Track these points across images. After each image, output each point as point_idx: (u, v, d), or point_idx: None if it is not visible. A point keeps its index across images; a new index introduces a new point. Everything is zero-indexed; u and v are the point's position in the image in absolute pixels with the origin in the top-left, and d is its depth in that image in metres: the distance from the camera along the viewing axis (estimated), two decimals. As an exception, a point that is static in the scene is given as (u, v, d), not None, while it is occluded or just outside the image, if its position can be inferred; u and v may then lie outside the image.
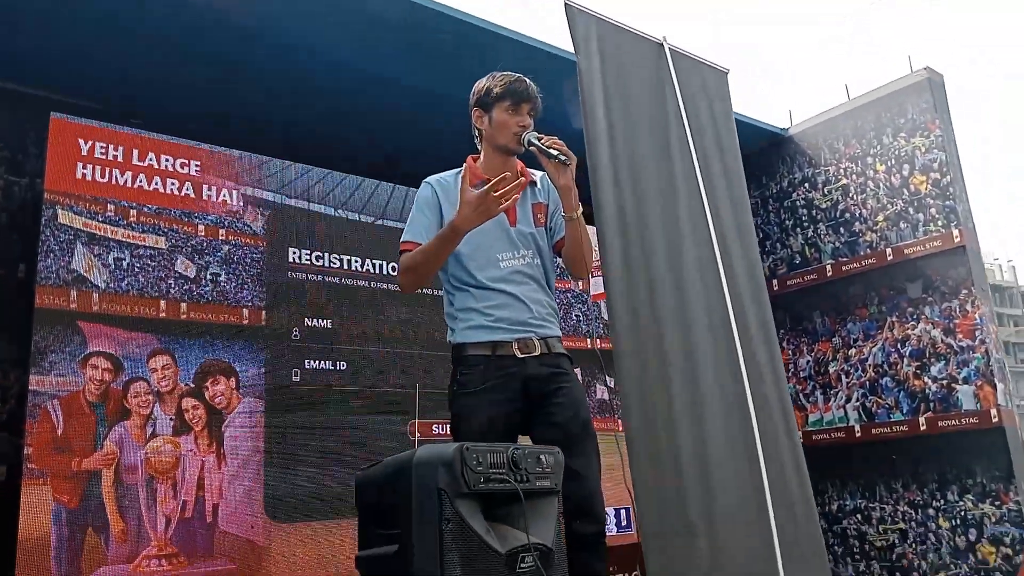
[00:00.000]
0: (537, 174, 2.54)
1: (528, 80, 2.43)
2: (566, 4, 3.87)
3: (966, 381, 5.04)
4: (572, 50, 3.65)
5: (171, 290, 4.27)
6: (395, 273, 5.17)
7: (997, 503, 4.81)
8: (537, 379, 2.33)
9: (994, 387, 4.91)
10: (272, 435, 4.38)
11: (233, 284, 4.50)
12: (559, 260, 2.60)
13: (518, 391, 2.33)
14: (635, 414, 3.22)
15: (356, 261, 5.03)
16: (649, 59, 4.05)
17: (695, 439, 3.36)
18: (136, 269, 4.19)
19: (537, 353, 2.35)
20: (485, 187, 2.16)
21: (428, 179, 2.49)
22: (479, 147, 2.52)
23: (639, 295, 3.54)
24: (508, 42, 4.70)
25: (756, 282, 4.07)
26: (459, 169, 2.47)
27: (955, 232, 5.24)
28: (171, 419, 4.08)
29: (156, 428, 4.02)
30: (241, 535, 4.10)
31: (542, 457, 2.25)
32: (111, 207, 4.18)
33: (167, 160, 4.43)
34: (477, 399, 2.33)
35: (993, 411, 4.88)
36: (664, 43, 4.13)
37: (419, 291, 5.20)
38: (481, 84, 2.46)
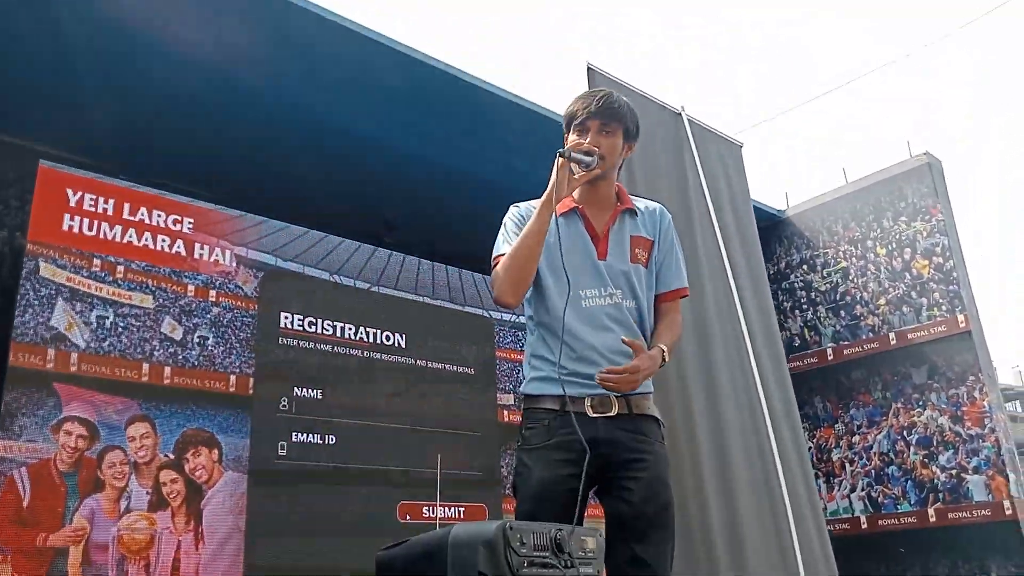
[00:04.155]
0: (641, 203, 2.24)
1: (605, 94, 2.14)
2: (588, 68, 3.81)
3: (976, 471, 4.88)
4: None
5: (155, 352, 4.00)
6: (395, 343, 4.96)
7: (1014, 600, 4.61)
8: (611, 443, 1.98)
9: (1006, 477, 4.76)
10: (255, 513, 4.05)
11: (221, 349, 4.24)
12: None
13: (583, 454, 2.04)
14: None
15: (350, 328, 4.81)
16: (668, 126, 4.00)
17: (728, 522, 3.16)
18: (120, 329, 3.92)
19: (614, 413, 2.05)
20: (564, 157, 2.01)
21: (516, 204, 2.23)
22: None
23: (667, 371, 3.38)
24: (517, 108, 4.60)
25: (777, 359, 3.95)
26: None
27: (960, 317, 5.17)
28: (147, 492, 3.75)
29: (131, 502, 3.69)
30: (218, 623, 3.74)
31: (585, 539, 2.02)
32: (97, 262, 3.94)
33: (159, 216, 4.22)
34: (537, 456, 2.03)
35: (1006, 502, 4.72)
36: (682, 112, 4.09)
37: (418, 361, 5.01)
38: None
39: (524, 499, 2.06)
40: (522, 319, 2.50)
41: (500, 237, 2.17)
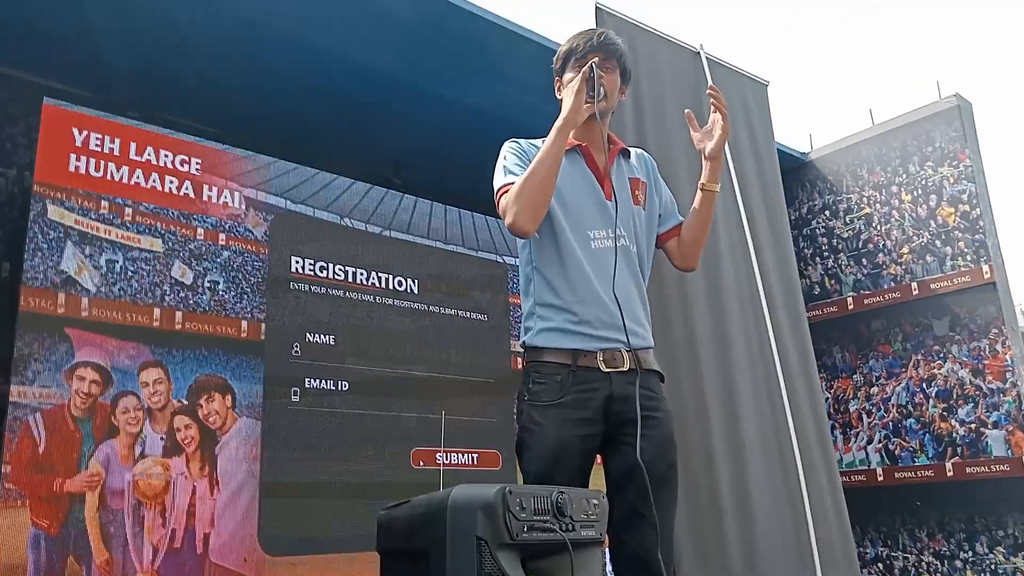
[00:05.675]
0: (632, 148, 2.21)
1: (603, 31, 2.13)
2: (597, 7, 3.67)
3: (996, 426, 4.81)
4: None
5: (166, 297, 3.98)
6: (407, 289, 4.92)
7: (1029, 556, 4.58)
8: (624, 400, 1.96)
9: (1027, 433, 4.69)
10: (269, 460, 4.07)
11: (232, 293, 4.21)
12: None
13: (599, 410, 1.98)
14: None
15: (361, 273, 4.76)
16: (685, 67, 3.86)
17: (736, 480, 3.13)
18: (129, 273, 3.89)
19: (625, 368, 1.99)
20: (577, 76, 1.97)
21: (514, 140, 2.17)
22: None
23: (673, 319, 3.32)
24: (527, 43, 4.43)
25: (796, 310, 3.88)
26: (544, 138, 2.20)
27: (984, 268, 5.04)
28: (162, 438, 3.77)
29: (145, 448, 3.71)
30: (234, 568, 3.78)
31: (587, 501, 1.99)
32: (105, 204, 3.90)
33: (166, 156, 4.15)
34: (550, 414, 1.97)
35: (1025, 458, 4.66)
36: (700, 51, 3.94)
37: (431, 307, 4.97)
38: (557, 52, 2.20)
39: (535, 458, 2.01)
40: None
41: (500, 170, 2.09)
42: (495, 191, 2.07)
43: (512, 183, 2.01)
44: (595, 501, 1.96)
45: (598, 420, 2.00)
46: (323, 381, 4.39)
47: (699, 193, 2.17)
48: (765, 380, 3.53)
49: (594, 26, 3.71)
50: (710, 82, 4.00)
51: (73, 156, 3.86)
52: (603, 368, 2.00)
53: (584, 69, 1.99)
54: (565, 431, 1.99)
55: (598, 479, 2.10)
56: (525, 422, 2.05)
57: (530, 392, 2.04)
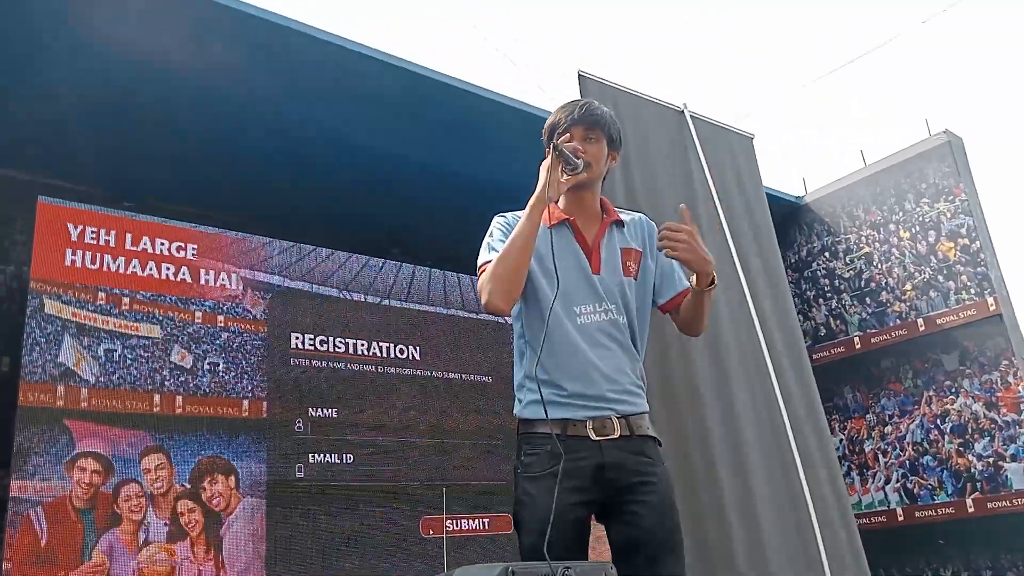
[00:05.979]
0: (626, 215, 2.17)
1: (585, 101, 2.12)
2: (579, 75, 3.71)
3: (1014, 458, 4.72)
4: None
5: (166, 383, 3.98)
6: (409, 356, 4.91)
7: (1060, 591, 4.46)
8: (616, 467, 1.92)
9: (1047, 464, 4.60)
10: (275, 538, 4.02)
11: (232, 374, 4.21)
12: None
13: (590, 479, 1.97)
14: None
15: (362, 344, 4.76)
16: (670, 126, 3.89)
17: (749, 534, 3.07)
18: (128, 361, 3.90)
19: (616, 436, 1.96)
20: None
21: (502, 214, 2.17)
22: None
23: (676, 378, 3.29)
24: (514, 113, 4.51)
25: (798, 360, 3.83)
26: None
27: (989, 300, 5.00)
28: (165, 524, 3.73)
29: (149, 534, 3.68)
30: (241, 654, 3.71)
31: (596, 574, 1.94)
32: (102, 295, 3.93)
33: (162, 244, 4.19)
34: (541, 484, 1.96)
35: (1048, 490, 4.56)
36: (684, 110, 3.97)
37: (434, 372, 4.95)
38: (544, 125, 2.21)
39: (529, 531, 1.98)
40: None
41: (485, 247, 2.09)
42: (477, 268, 2.08)
43: (490, 261, 2.02)
44: (604, 573, 1.91)
45: (590, 488, 1.98)
46: (328, 455, 4.35)
47: (690, 293, 2.16)
48: (773, 433, 3.47)
49: (577, 92, 3.78)
50: (696, 139, 4.02)
51: (69, 251, 3.91)
52: (593, 436, 1.98)
53: (551, 149, 2.00)
54: (557, 500, 1.96)
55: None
56: (519, 494, 2.03)
57: (522, 464, 2.03)
